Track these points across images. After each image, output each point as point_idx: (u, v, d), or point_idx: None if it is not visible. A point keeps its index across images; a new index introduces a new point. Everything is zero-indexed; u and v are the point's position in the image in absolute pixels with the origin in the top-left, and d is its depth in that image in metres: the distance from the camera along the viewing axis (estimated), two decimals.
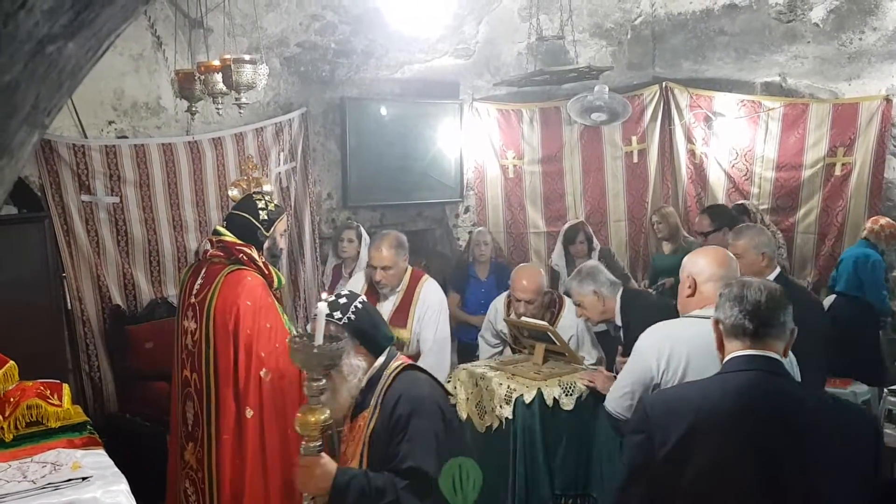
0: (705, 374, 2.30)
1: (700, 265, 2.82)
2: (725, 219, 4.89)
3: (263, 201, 3.36)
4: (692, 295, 2.80)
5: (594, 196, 6.95)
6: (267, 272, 3.24)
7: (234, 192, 3.57)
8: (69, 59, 1.13)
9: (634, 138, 6.85)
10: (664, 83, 6.73)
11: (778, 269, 3.80)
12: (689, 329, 2.70)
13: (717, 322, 2.04)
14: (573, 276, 3.93)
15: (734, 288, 2.03)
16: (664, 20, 6.38)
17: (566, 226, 6.16)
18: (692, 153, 6.74)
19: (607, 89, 5.86)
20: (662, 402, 2.05)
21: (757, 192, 6.42)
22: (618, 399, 2.85)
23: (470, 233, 6.28)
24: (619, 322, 3.74)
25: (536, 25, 5.93)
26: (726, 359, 2.01)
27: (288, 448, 3.03)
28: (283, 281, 3.49)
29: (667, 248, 6.03)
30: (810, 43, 6.04)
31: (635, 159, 6.89)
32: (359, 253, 5.51)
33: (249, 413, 3.02)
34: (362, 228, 5.68)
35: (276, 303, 3.24)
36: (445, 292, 4.35)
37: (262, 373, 3.04)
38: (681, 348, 2.64)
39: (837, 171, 6.10)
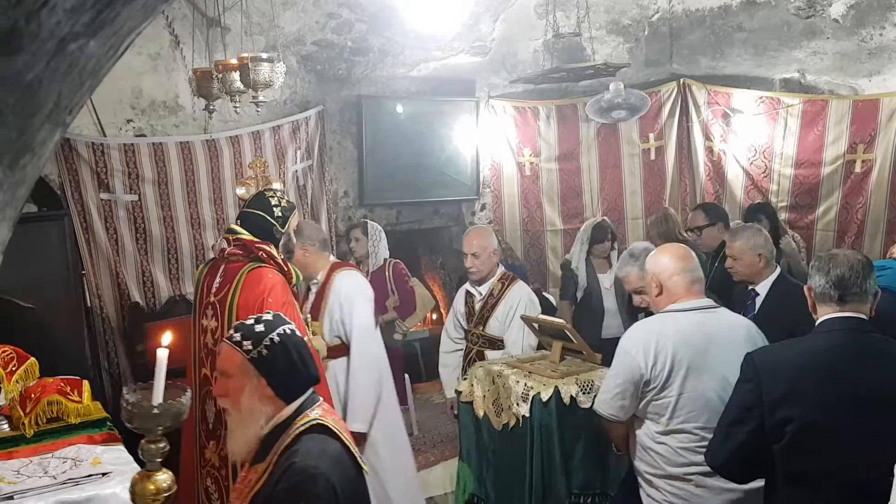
0: (693, 365, 2.71)
1: (662, 263, 2.94)
2: (720, 214, 4.94)
3: (276, 198, 3.36)
4: (661, 293, 2.92)
5: (611, 193, 6.92)
6: (286, 269, 3.26)
7: (241, 191, 3.57)
8: (90, 58, 1.14)
9: (652, 135, 6.81)
10: (682, 80, 6.68)
11: (778, 270, 3.76)
12: (668, 324, 2.83)
13: (809, 289, 2.36)
14: (626, 260, 3.74)
15: (822, 261, 2.34)
16: (682, 16, 6.33)
17: (590, 224, 5.51)
18: (710, 150, 6.69)
19: (623, 86, 5.83)
20: (769, 357, 2.36)
21: (776, 190, 6.37)
22: (609, 401, 2.87)
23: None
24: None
25: (553, 22, 5.90)
26: (819, 321, 2.33)
27: None
28: (301, 278, 3.50)
29: None
30: (830, 39, 5.98)
31: (653, 156, 6.85)
32: (368, 250, 5.48)
33: None
34: (371, 224, 5.62)
35: (295, 300, 3.25)
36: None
37: None
38: (665, 342, 2.75)
39: (857, 168, 6.04)
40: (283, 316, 2.16)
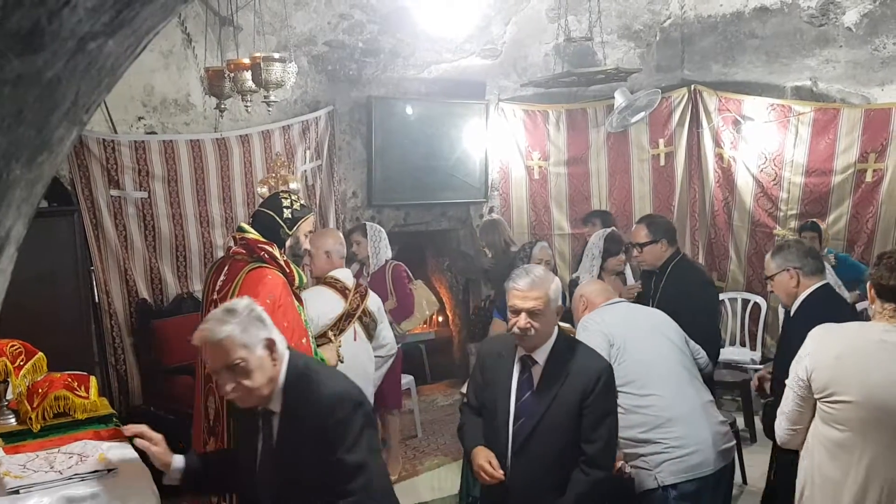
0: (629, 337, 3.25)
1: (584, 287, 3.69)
2: (662, 230, 4.38)
3: (290, 200, 3.36)
4: (587, 309, 3.48)
5: (620, 199, 6.91)
6: (288, 270, 3.24)
7: (262, 190, 3.58)
8: (109, 57, 1.15)
9: (662, 141, 6.80)
10: (693, 86, 6.67)
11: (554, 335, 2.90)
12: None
13: (872, 286, 2.66)
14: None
15: (886, 259, 2.64)
16: (693, 22, 6.32)
17: (601, 235, 4.99)
18: (720, 157, 6.67)
19: (628, 90, 5.82)
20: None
21: (786, 198, 6.35)
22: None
23: (530, 244, 5.24)
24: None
25: (564, 26, 5.91)
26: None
27: None
28: (305, 280, 3.49)
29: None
30: (842, 47, 5.96)
31: (662, 162, 6.84)
32: (370, 251, 5.42)
33: None
34: (370, 225, 5.50)
35: (297, 301, 3.24)
36: (468, 295, 4.27)
37: None
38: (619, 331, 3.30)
39: (868, 178, 6.01)
40: None
